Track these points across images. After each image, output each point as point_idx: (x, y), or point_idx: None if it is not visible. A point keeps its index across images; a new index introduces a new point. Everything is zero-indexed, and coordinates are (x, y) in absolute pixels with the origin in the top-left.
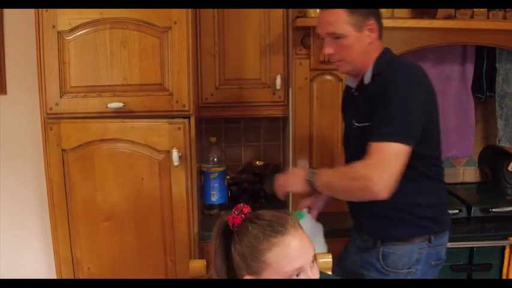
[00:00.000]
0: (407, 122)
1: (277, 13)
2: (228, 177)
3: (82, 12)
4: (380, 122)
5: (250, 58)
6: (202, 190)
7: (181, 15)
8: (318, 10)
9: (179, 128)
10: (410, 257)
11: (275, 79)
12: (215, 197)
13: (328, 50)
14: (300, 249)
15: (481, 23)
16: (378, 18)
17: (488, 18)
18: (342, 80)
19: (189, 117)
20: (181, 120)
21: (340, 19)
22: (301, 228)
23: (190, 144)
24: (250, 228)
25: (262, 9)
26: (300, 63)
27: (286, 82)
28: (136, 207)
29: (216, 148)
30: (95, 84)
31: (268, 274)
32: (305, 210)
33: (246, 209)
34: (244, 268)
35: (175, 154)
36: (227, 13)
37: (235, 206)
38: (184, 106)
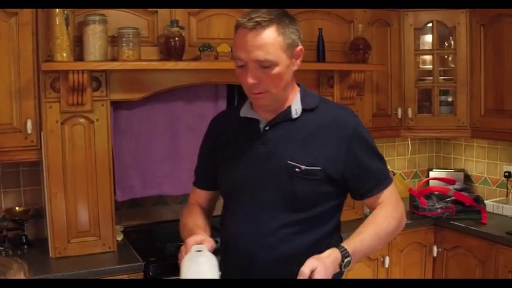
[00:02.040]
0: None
1: (27, 57)
2: None
3: None
4: (378, 168)
5: (1, 103)
6: None
7: None
8: (65, 57)
9: None
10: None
11: (26, 123)
12: None
13: (252, 80)
14: None
15: (224, 63)
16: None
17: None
18: (93, 122)
19: None
20: None
21: (272, 42)
22: (26, 276)
23: None
24: None
25: (11, 54)
26: (51, 107)
27: (38, 126)
28: None
29: None
30: None
31: None
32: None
33: None
34: None
35: None
36: None
37: None
38: None
